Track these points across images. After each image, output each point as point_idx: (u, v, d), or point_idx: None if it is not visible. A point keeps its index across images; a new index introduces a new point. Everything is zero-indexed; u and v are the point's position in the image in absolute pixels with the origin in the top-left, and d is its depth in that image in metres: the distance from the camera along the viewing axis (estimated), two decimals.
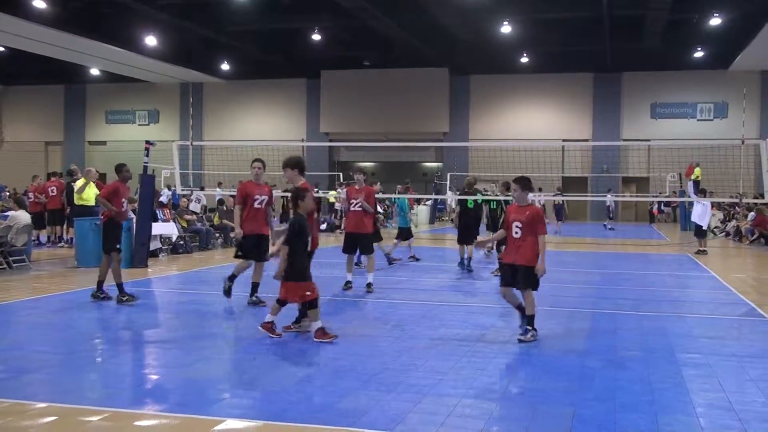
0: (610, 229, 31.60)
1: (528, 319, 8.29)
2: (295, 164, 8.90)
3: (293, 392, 6.14)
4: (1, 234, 14.31)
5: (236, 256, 10.47)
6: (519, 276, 8.23)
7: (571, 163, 39.56)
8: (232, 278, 10.20)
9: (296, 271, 8.02)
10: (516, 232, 8.29)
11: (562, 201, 32.49)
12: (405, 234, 17.69)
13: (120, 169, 11.25)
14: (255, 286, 10.31)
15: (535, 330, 8.23)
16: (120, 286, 10.47)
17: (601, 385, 6.46)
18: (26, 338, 8.35)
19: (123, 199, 10.93)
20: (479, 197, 15.88)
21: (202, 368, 7.06)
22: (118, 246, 10.78)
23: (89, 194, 16.94)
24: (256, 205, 10.23)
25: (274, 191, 11.75)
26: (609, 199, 33.17)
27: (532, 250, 8.20)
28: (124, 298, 10.36)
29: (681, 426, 5.41)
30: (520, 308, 8.48)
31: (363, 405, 5.81)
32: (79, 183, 17.43)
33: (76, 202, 17.14)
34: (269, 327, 8.16)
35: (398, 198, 19.23)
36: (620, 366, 7.20)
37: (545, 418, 5.54)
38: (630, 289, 13.26)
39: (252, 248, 10.13)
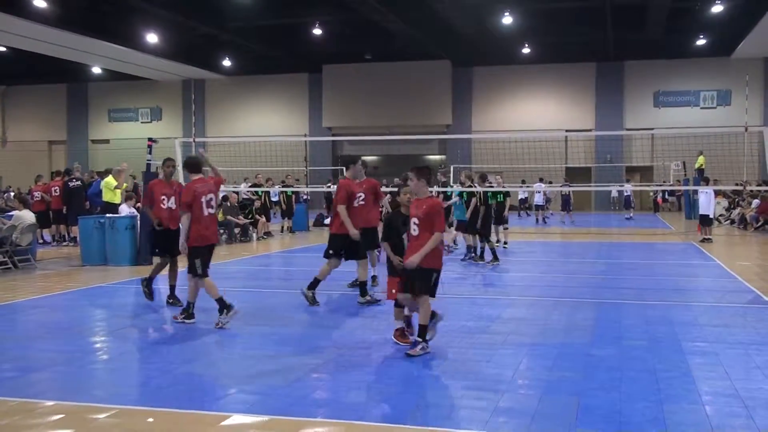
0: (628, 218, 31.49)
1: (420, 330, 7.22)
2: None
3: (299, 387, 6.15)
4: (5, 234, 14.34)
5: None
6: (414, 279, 7.19)
7: (575, 153, 39.48)
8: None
9: (391, 266, 7.99)
10: (414, 230, 7.31)
11: (569, 192, 32.45)
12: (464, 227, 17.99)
13: (162, 163, 10.65)
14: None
15: (426, 342, 7.17)
16: (172, 288, 10.45)
17: (606, 375, 6.47)
18: (32, 337, 8.38)
19: (162, 196, 10.22)
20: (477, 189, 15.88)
21: (209, 364, 7.08)
22: (158, 250, 10.46)
23: (117, 191, 17.03)
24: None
25: (278, 187, 11.65)
26: (628, 188, 33.06)
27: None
28: (171, 301, 10.20)
29: (687, 414, 5.42)
30: (408, 320, 7.52)
31: (368, 398, 5.83)
32: (109, 181, 17.23)
33: (105, 198, 17.04)
34: (401, 334, 7.75)
35: (458, 191, 19.41)
36: (625, 355, 7.20)
37: (551, 408, 5.55)
38: (635, 279, 13.25)
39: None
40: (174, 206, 10.14)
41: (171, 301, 10.24)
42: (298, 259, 17.19)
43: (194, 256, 8.91)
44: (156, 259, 10.73)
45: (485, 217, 15.57)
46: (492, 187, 16.92)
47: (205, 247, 9.03)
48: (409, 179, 7.27)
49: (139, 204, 16.20)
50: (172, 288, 10.36)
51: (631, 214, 32.61)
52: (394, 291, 7.72)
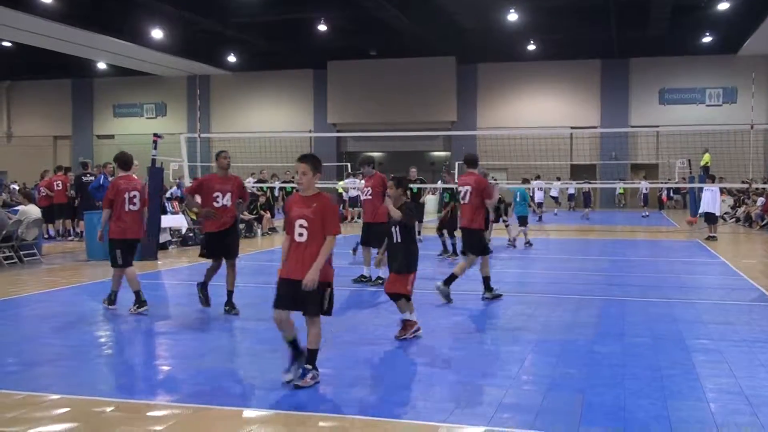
0: (645, 216, 31.41)
1: (309, 356, 6.03)
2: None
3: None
4: (11, 228, 14.38)
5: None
6: (302, 296, 5.86)
7: (580, 150, 39.43)
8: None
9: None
10: (300, 234, 6.02)
11: (589, 189, 32.54)
12: (524, 221, 18.73)
13: (217, 156, 9.61)
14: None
15: (317, 370, 6.03)
16: (230, 293, 9.37)
17: (611, 372, 6.47)
18: (38, 331, 8.41)
19: (216, 193, 9.24)
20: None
21: (215, 359, 7.10)
22: (205, 251, 9.57)
23: None
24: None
25: (278, 183, 11.51)
26: (644, 185, 32.97)
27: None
28: (227, 308, 9.31)
29: (691, 411, 5.42)
30: (294, 344, 6.13)
31: (373, 394, 5.84)
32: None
33: None
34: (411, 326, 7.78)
35: (518, 188, 20.08)
36: (629, 352, 7.20)
37: (555, 404, 5.56)
38: (639, 276, 13.23)
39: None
40: (229, 203, 9.30)
41: (227, 308, 9.25)
42: None
43: (113, 248, 9.38)
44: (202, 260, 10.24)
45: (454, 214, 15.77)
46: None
47: (123, 241, 9.39)
48: (301, 170, 6.18)
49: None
50: (230, 294, 9.31)
51: (647, 213, 32.47)
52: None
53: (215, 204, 9.22)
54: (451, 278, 10.08)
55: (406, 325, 7.73)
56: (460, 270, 10.20)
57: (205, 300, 9.47)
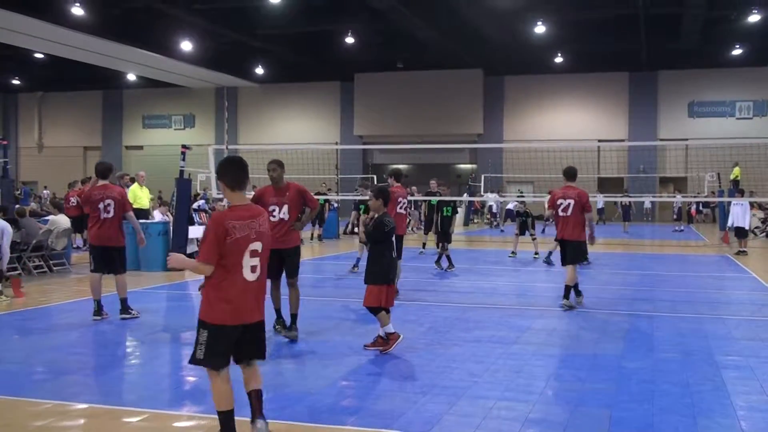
0: (679, 230, 31.02)
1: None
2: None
3: (328, 394, 6.16)
4: (41, 238, 14.55)
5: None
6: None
7: (607, 163, 39.15)
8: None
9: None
10: (252, 271, 4.87)
11: (630, 202, 32.29)
12: None
13: (268, 166, 8.52)
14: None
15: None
16: (293, 317, 8.51)
17: (639, 387, 6.39)
18: (66, 341, 8.48)
19: (272, 206, 8.25)
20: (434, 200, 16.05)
21: (238, 370, 7.10)
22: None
23: (143, 198, 17.27)
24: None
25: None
26: (678, 199, 32.64)
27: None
28: (281, 329, 8.63)
29: (721, 429, 5.34)
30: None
31: (398, 407, 5.81)
32: (134, 188, 17.56)
33: (135, 205, 17.25)
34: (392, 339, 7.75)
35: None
36: (658, 368, 7.11)
37: (582, 420, 5.50)
38: (668, 291, 13.09)
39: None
40: (286, 217, 8.31)
41: (282, 329, 8.57)
42: (327, 267, 17.22)
43: (91, 253, 9.83)
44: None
45: (441, 223, 15.93)
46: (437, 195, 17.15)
47: (99, 247, 9.72)
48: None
49: (169, 211, 16.43)
50: (293, 317, 8.46)
51: (682, 227, 32.04)
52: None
53: (272, 219, 8.11)
54: (568, 290, 10.73)
55: (379, 339, 7.75)
56: (571, 280, 10.78)
57: (287, 328, 8.51)
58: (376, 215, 7.83)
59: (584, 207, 10.78)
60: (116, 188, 10.11)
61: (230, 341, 4.81)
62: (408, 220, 21.05)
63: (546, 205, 11.79)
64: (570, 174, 11.20)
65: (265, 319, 4.98)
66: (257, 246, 4.79)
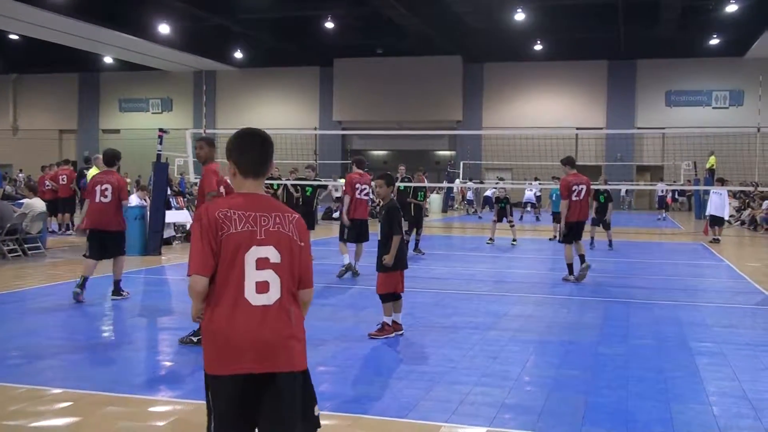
0: (662, 219, 31.10)
1: None
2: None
3: None
4: (16, 221, 14.39)
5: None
6: None
7: (585, 151, 39.31)
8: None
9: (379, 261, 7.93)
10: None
11: (626, 191, 32.56)
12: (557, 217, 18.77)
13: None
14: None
15: None
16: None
17: (614, 374, 6.45)
18: (41, 325, 8.41)
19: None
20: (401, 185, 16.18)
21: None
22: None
23: None
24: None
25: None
26: (660, 187, 32.78)
27: None
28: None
29: (694, 414, 5.40)
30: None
31: (375, 392, 5.83)
32: (92, 171, 17.44)
33: None
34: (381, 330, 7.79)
35: (555, 188, 20.31)
36: (633, 354, 7.18)
37: (558, 406, 5.54)
38: (643, 278, 13.21)
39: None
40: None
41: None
42: None
43: (88, 237, 9.94)
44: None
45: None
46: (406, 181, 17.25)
47: (95, 232, 9.83)
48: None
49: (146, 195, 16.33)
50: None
51: (664, 215, 32.18)
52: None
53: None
54: (571, 267, 12.16)
55: (386, 326, 7.77)
56: (572, 257, 12.21)
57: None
58: (383, 202, 7.91)
59: (591, 191, 12.42)
60: (117, 175, 10.16)
61: (233, 403, 3.13)
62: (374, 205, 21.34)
63: (560, 192, 12.68)
64: (573, 162, 12.43)
65: (303, 370, 3.23)
66: (268, 253, 3.19)
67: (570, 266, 12.21)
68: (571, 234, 12.15)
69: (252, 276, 3.14)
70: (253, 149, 3.33)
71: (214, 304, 3.15)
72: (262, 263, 3.16)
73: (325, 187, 19.07)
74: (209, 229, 3.15)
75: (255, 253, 3.16)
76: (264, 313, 3.12)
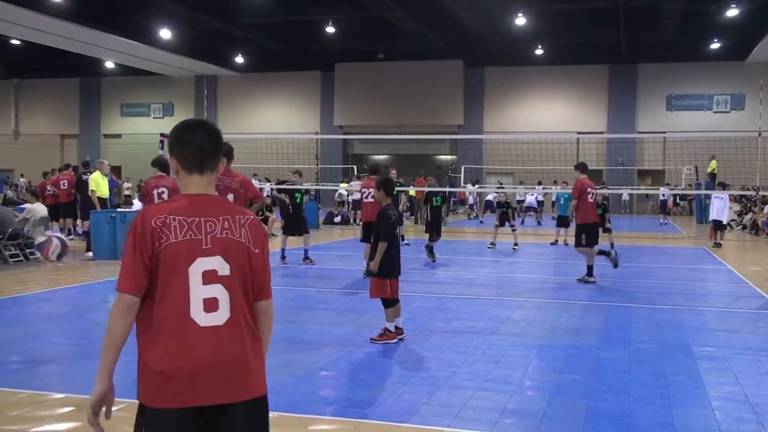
0: (664, 224, 31.05)
1: None
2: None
3: (305, 384, 6.16)
4: (18, 226, 14.40)
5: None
6: None
7: (586, 155, 39.20)
8: None
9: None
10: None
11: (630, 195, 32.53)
12: (566, 222, 19.36)
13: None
14: None
15: None
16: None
17: (616, 378, 6.45)
18: (43, 330, 8.41)
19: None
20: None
21: None
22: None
23: (104, 187, 17.05)
24: None
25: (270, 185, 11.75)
26: (662, 191, 32.74)
27: None
28: None
29: (696, 419, 5.39)
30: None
31: (377, 397, 5.83)
32: (94, 176, 17.43)
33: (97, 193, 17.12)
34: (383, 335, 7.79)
35: (560, 192, 21.58)
36: (635, 359, 7.17)
37: (560, 410, 5.53)
38: (645, 282, 13.20)
39: None
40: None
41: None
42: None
43: None
44: None
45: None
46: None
47: None
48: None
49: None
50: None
51: (667, 220, 32.12)
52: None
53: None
54: (592, 269, 12.55)
55: (386, 332, 7.75)
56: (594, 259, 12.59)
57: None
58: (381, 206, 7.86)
59: (598, 199, 13.12)
60: (169, 178, 10.29)
61: None
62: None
63: (573, 194, 12.93)
64: (586, 168, 12.97)
65: (261, 398, 2.88)
66: (215, 264, 2.73)
67: (591, 268, 12.55)
68: (593, 236, 12.57)
69: (198, 292, 2.68)
70: (194, 139, 2.90)
71: (155, 328, 2.69)
72: (208, 277, 2.70)
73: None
74: (143, 240, 2.68)
75: (200, 265, 2.69)
76: (214, 335, 2.67)
